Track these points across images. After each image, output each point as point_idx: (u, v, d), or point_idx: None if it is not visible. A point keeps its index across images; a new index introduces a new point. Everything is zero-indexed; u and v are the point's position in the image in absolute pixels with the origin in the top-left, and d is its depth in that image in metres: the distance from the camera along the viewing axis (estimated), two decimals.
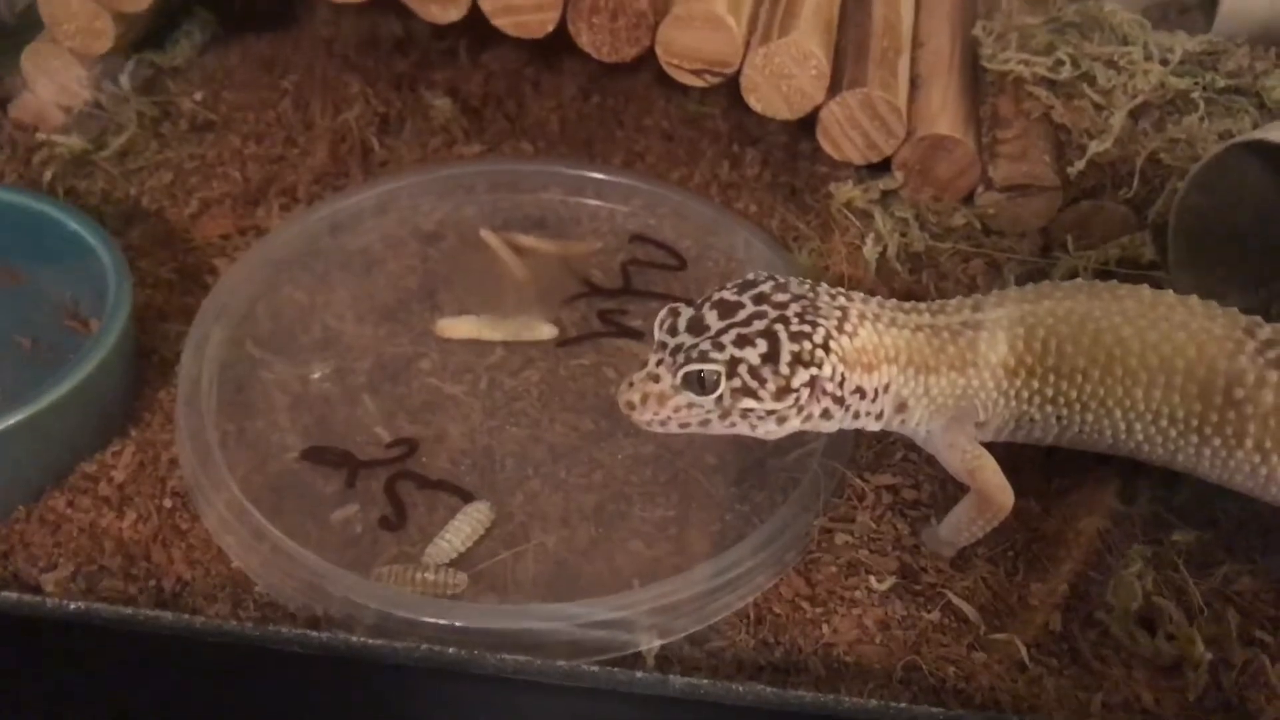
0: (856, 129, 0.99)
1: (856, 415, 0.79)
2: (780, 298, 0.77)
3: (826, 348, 0.76)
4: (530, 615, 0.77)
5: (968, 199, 1.02)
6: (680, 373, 0.75)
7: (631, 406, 0.76)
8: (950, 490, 0.84)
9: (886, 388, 0.79)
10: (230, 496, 0.82)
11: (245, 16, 1.21)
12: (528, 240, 1.05)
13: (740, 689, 0.70)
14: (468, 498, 0.85)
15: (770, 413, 0.76)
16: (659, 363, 0.76)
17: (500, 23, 1.00)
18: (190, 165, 1.09)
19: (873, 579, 0.80)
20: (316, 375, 0.94)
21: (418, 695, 0.74)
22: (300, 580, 0.78)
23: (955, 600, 0.79)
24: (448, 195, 1.08)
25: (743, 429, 0.77)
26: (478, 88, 1.19)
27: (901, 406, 0.80)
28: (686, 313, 0.77)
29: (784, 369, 0.75)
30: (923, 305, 0.81)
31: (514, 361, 0.96)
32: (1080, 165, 0.98)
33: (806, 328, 0.76)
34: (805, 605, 0.80)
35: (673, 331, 0.77)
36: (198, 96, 1.14)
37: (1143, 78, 1.02)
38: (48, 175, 1.07)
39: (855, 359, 0.77)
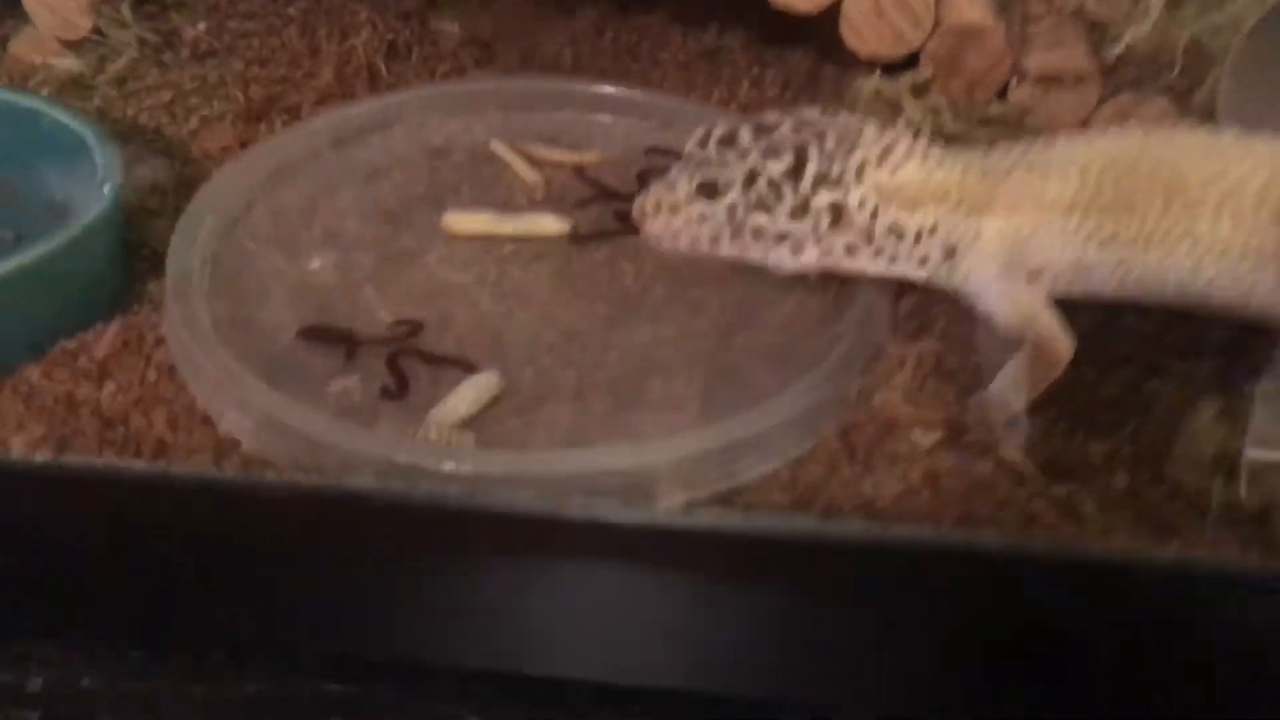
0: (882, 19, 0.95)
1: (894, 259, 0.74)
2: (824, 123, 0.73)
3: (860, 175, 0.71)
4: (539, 462, 0.70)
5: (1001, 94, 0.97)
6: (696, 180, 0.70)
7: (644, 214, 0.72)
8: (998, 362, 0.78)
9: (933, 229, 0.73)
10: (218, 359, 0.76)
11: None
12: (540, 150, 1.00)
13: (775, 521, 0.63)
14: (474, 370, 0.79)
15: (784, 236, 0.71)
16: (680, 172, 0.72)
17: None
18: (191, 86, 1.05)
19: (916, 432, 0.73)
20: (316, 265, 0.88)
21: (419, 545, 0.67)
22: (293, 437, 0.71)
23: (1009, 455, 0.72)
24: (456, 112, 1.04)
25: (754, 253, 0.72)
26: (487, 23, 1.15)
27: (951, 252, 0.74)
28: (722, 127, 0.73)
29: (805, 186, 0.70)
30: (974, 149, 0.76)
31: (525, 255, 0.90)
32: (1119, 49, 0.94)
33: (841, 151, 0.71)
34: (843, 464, 0.73)
35: (703, 144, 0.73)
36: (201, 25, 1.11)
37: None
38: (43, 94, 1.03)
39: (895, 193, 0.72)
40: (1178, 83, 0.95)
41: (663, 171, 0.96)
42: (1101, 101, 0.96)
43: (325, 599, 0.67)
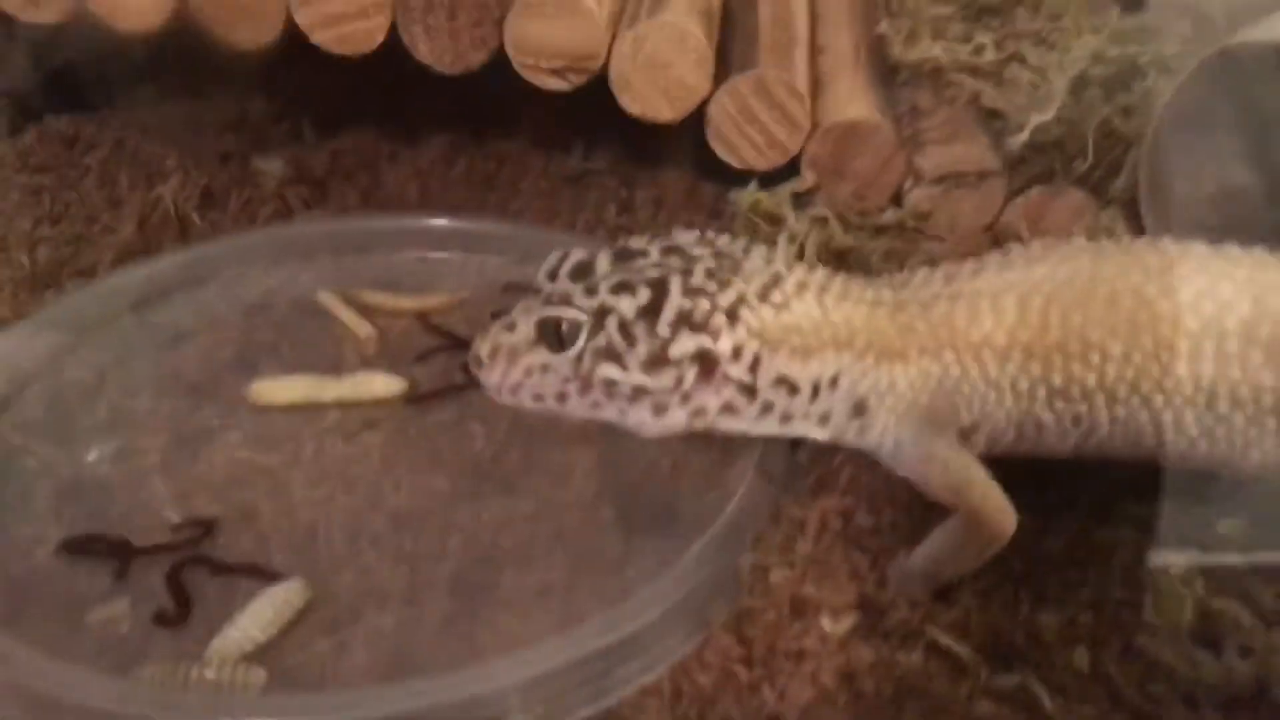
0: (753, 123, 0.83)
1: (787, 418, 0.59)
2: (697, 251, 0.59)
3: (733, 315, 0.57)
4: (351, 704, 0.54)
5: (895, 199, 0.85)
6: (535, 318, 0.57)
7: (479, 362, 0.59)
8: (919, 516, 0.64)
9: (834, 381, 0.59)
10: None
11: (46, 101, 1.04)
12: (376, 297, 0.86)
13: None
14: (276, 579, 0.63)
15: (640, 391, 0.57)
16: (524, 309, 0.59)
17: (321, 38, 0.84)
18: None
19: (825, 620, 0.58)
20: (92, 457, 0.73)
21: None
22: (22, 700, 0.55)
23: (942, 639, 0.58)
24: (280, 262, 0.89)
25: (609, 413, 0.58)
26: (322, 164, 1.02)
27: (860, 408, 0.60)
28: (578, 256, 0.60)
29: (663, 329, 0.56)
30: (880, 279, 0.63)
31: (350, 424, 0.75)
32: (1023, 137, 0.82)
33: (712, 285, 0.57)
34: (739, 668, 0.58)
35: (553, 275, 0.60)
36: None
37: (1080, 49, 0.88)
38: None
39: (782, 337, 0.58)
40: (1092, 172, 0.83)
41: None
42: (1010, 199, 0.84)
43: None
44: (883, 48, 0.94)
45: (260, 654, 0.59)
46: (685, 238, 0.60)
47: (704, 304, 0.56)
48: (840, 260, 0.80)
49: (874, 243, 0.81)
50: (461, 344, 0.82)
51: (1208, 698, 0.55)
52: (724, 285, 0.57)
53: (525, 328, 0.58)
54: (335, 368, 0.80)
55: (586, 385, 0.58)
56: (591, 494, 0.70)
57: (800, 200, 0.84)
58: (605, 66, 0.82)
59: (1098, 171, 0.83)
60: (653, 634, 0.58)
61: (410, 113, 1.06)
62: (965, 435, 0.59)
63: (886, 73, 0.93)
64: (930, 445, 0.59)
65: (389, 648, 0.61)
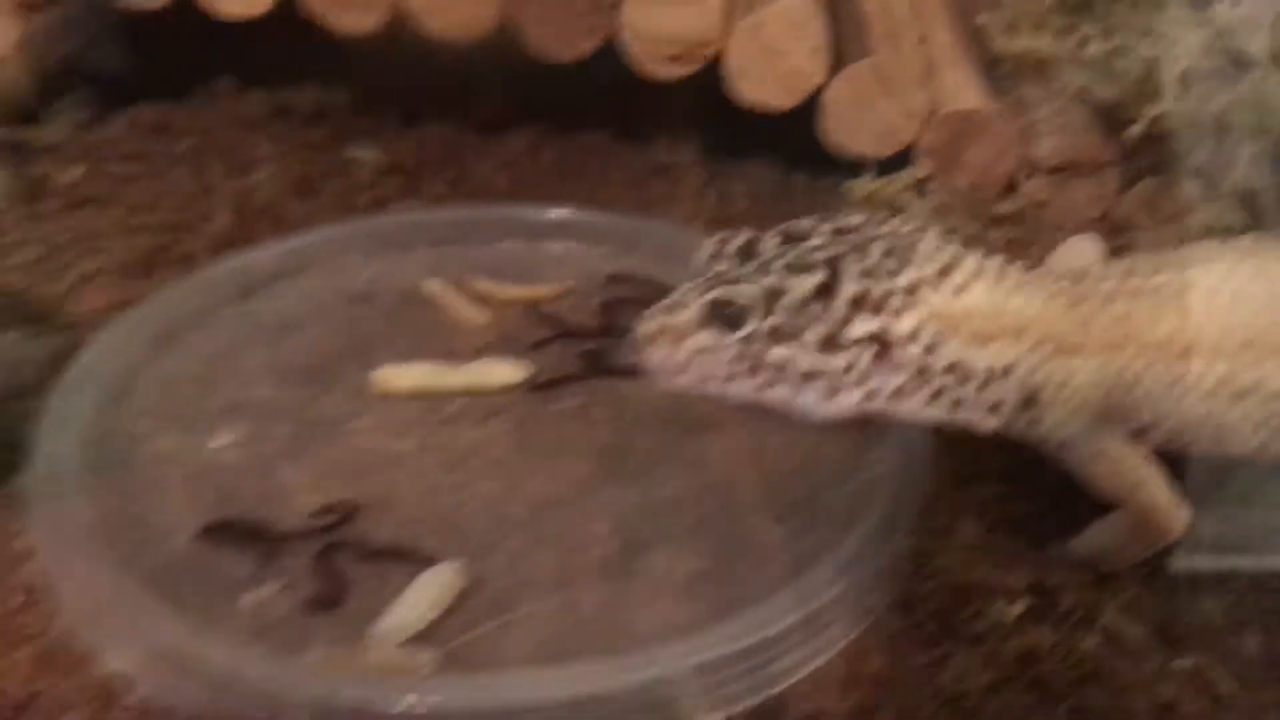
0: (869, 111, 0.83)
1: (957, 405, 0.58)
2: (870, 231, 0.58)
3: (913, 296, 0.56)
4: (529, 686, 0.54)
5: (1010, 189, 0.85)
6: (704, 299, 0.56)
7: (643, 342, 0.58)
8: (1074, 501, 0.63)
9: (1008, 370, 0.58)
10: (101, 580, 0.59)
11: (134, 91, 1.04)
12: (485, 285, 0.85)
13: None
14: (429, 563, 0.63)
15: (813, 373, 0.56)
16: (689, 290, 0.57)
17: (432, 23, 0.83)
18: (65, 239, 0.89)
19: (998, 604, 0.58)
20: (220, 444, 0.72)
21: None
22: (198, 673, 0.54)
23: (1116, 623, 0.57)
24: (380, 251, 0.89)
25: (778, 395, 0.57)
26: (410, 153, 1.02)
27: (1031, 400, 0.59)
28: (742, 237, 0.59)
29: (839, 309, 0.55)
30: (1059, 271, 0.62)
31: (476, 412, 0.74)
32: (1138, 129, 0.82)
33: (891, 264, 0.56)
34: (912, 650, 0.57)
35: (717, 256, 0.58)
36: (77, 171, 0.95)
37: (1188, 40, 0.88)
38: None
39: (959, 322, 0.57)
40: (1207, 164, 0.84)
41: (629, 303, 0.84)
42: (1123, 189, 0.84)
43: None
44: (982, 39, 0.94)
45: (424, 638, 0.59)
46: (856, 219, 0.59)
47: (882, 284, 0.55)
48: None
49: (995, 233, 0.81)
50: (573, 333, 0.82)
51: None
52: (902, 266, 0.56)
53: (692, 309, 0.57)
54: (449, 355, 0.80)
55: (756, 367, 0.57)
56: (728, 482, 0.69)
57: (916, 186, 0.84)
58: (718, 55, 0.82)
59: (1213, 164, 0.84)
60: (821, 619, 0.58)
61: (490, 105, 1.06)
62: (1139, 434, 0.59)
63: (987, 64, 0.94)
64: (1101, 442, 0.58)
65: (550, 631, 0.60)
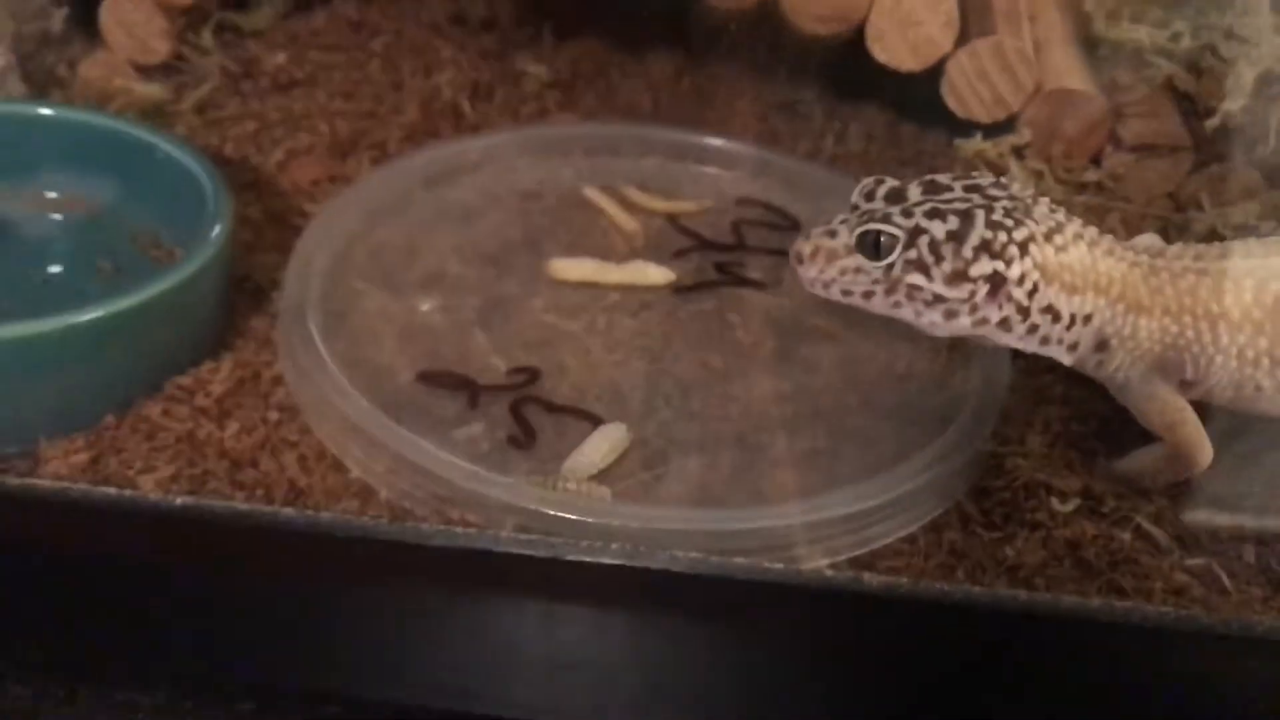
0: (984, 82, 0.96)
1: (1045, 340, 0.72)
2: (995, 192, 0.71)
3: (1025, 248, 0.69)
4: (689, 519, 0.70)
5: (1095, 161, 0.98)
6: (857, 231, 0.70)
7: (800, 258, 0.71)
8: (1121, 426, 0.78)
9: (1089, 318, 0.72)
10: (349, 398, 0.74)
11: None
12: (635, 194, 0.99)
13: (948, 588, 0.63)
14: (599, 422, 0.78)
15: (938, 299, 0.70)
16: (842, 220, 0.71)
17: None
18: (275, 117, 1.04)
19: (1054, 500, 0.73)
20: (425, 307, 0.87)
21: (571, 599, 0.66)
22: (435, 481, 0.70)
23: (1146, 525, 0.73)
24: (544, 157, 1.03)
25: (906, 312, 0.71)
26: (566, 66, 1.15)
27: (1103, 344, 0.73)
28: (891, 183, 0.72)
29: (967, 252, 0.69)
30: (1139, 245, 0.75)
31: (631, 304, 0.90)
32: (1214, 122, 0.95)
33: (1010, 221, 0.69)
34: (981, 530, 0.73)
35: (869, 197, 0.72)
36: (282, 56, 1.09)
37: (1268, 45, 1.00)
38: None
39: (1057, 274, 0.70)
40: (1269, 157, 0.97)
41: (757, 224, 0.98)
42: (1193, 172, 0.97)
43: (488, 659, 0.66)
44: (1086, 22, 1.07)
45: (601, 478, 0.74)
46: (985, 179, 0.72)
47: (1002, 236, 0.69)
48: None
49: (1077, 198, 0.95)
50: (710, 245, 0.96)
51: None
52: (1019, 224, 0.69)
53: (845, 236, 0.71)
54: (605, 253, 0.94)
55: (893, 289, 0.70)
56: (840, 383, 0.84)
57: (1016, 151, 0.97)
58: (863, 20, 0.95)
59: (1275, 158, 0.97)
60: (911, 498, 0.73)
61: (631, 29, 1.19)
62: (1187, 386, 0.73)
63: (1088, 44, 1.06)
64: (1155, 387, 0.73)
65: (695, 485, 0.75)
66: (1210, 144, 0.98)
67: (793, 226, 0.98)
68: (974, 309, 0.70)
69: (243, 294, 0.87)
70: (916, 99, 1.05)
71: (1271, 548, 0.73)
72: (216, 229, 0.82)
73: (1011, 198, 0.71)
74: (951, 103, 0.98)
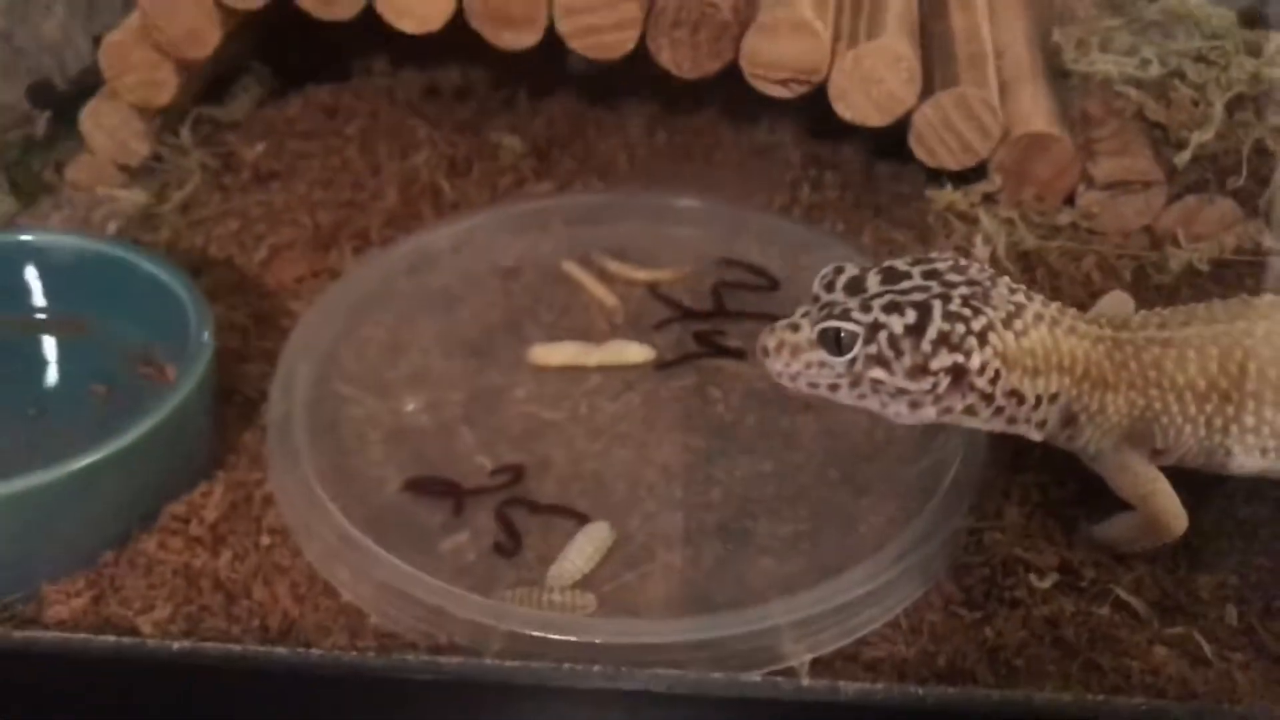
0: (951, 131, 0.96)
1: (1012, 420, 0.73)
2: (953, 278, 0.71)
3: (983, 338, 0.70)
4: (672, 630, 0.71)
5: (1069, 200, 0.99)
6: (818, 327, 0.71)
7: (766, 352, 0.72)
8: (1100, 487, 0.78)
9: (1054, 397, 0.72)
10: (337, 525, 0.76)
11: (303, 70, 1.19)
12: (614, 266, 1.01)
13: (919, 690, 0.64)
14: (584, 520, 0.80)
15: (901, 391, 0.71)
16: (805, 314, 0.72)
17: (578, 45, 0.97)
18: (257, 213, 1.05)
19: (1032, 577, 0.74)
20: (410, 408, 0.89)
21: (560, 714, 0.68)
22: (420, 607, 0.72)
23: (1124, 596, 0.74)
24: (524, 231, 1.04)
25: (872, 404, 0.72)
26: (541, 130, 1.16)
27: (1070, 420, 0.73)
28: (851, 271, 0.73)
29: (925, 346, 0.69)
30: (1103, 319, 0.76)
31: (612, 386, 0.91)
32: (1186, 155, 0.95)
33: (967, 311, 0.70)
34: (962, 611, 0.74)
35: (829, 288, 0.73)
36: (260, 147, 1.11)
37: (1237, 69, 1.00)
38: (111, 229, 1.03)
39: (1018, 359, 0.71)
40: (1243, 185, 0.96)
41: (737, 286, 0.99)
42: (1168, 204, 0.97)
43: None
44: (1054, 53, 1.06)
45: (585, 583, 0.76)
46: (943, 263, 0.72)
47: (960, 328, 0.69)
48: (1024, 260, 0.94)
49: (1051, 242, 0.95)
50: (691, 314, 0.97)
51: None
52: (977, 312, 0.70)
53: (807, 331, 0.72)
54: (586, 331, 0.96)
55: (856, 382, 0.71)
56: (820, 457, 0.85)
57: (987, 200, 0.98)
58: (825, 79, 0.96)
59: (1248, 185, 0.96)
60: (894, 583, 0.74)
61: (606, 85, 1.20)
62: (1158, 454, 0.73)
63: (1057, 75, 1.06)
64: (1126, 458, 0.73)
65: (680, 580, 0.77)
66: (1185, 174, 0.98)
67: (772, 286, 1.00)
68: (938, 399, 0.71)
69: (233, 407, 0.89)
70: (892, 134, 1.05)
71: (1252, 606, 0.74)
72: (200, 354, 0.83)
73: (970, 282, 0.71)
74: (920, 153, 0.98)
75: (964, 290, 0.71)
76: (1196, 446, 0.73)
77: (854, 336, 0.71)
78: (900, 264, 0.74)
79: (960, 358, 0.70)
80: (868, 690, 0.64)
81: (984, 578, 0.75)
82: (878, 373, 0.71)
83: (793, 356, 0.72)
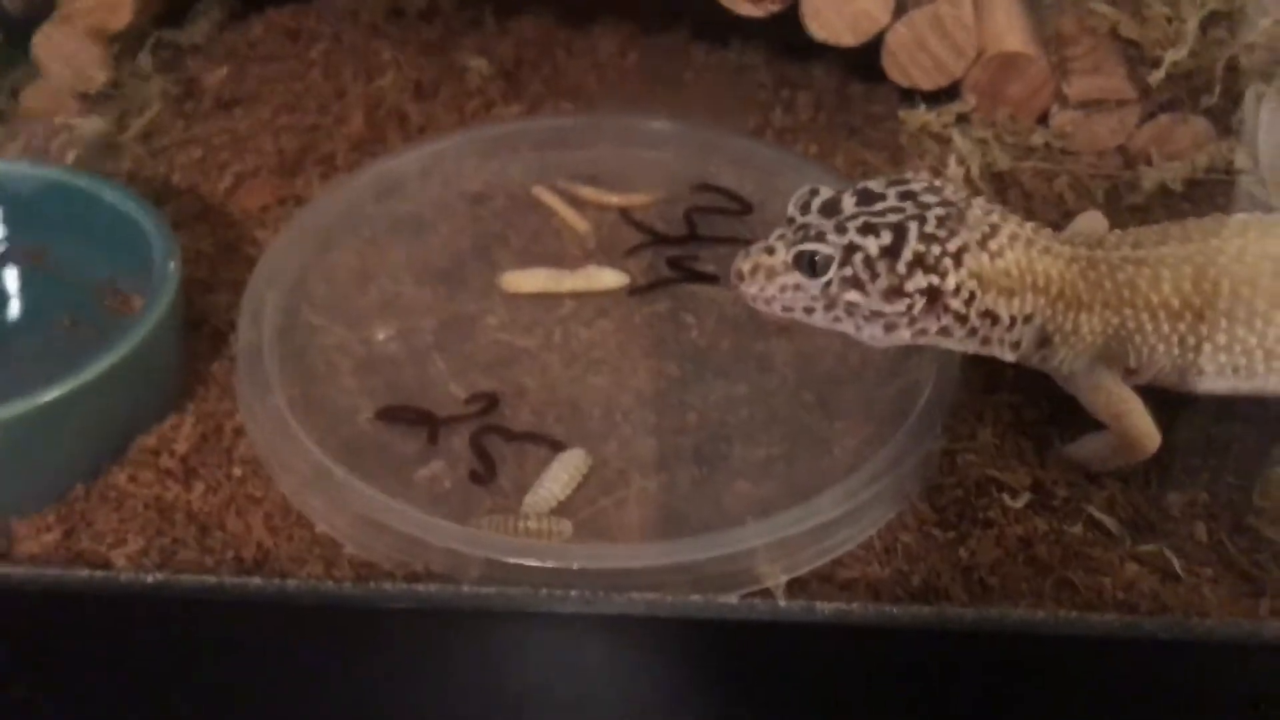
0: (924, 51, 0.95)
1: (986, 341, 0.73)
2: (928, 199, 0.71)
3: (958, 259, 0.70)
4: (648, 554, 0.71)
5: (1042, 119, 0.98)
6: (793, 250, 0.70)
7: (741, 276, 0.72)
8: (1073, 407, 0.79)
9: (1029, 318, 0.72)
10: (310, 456, 0.75)
11: None
12: (586, 191, 0.99)
13: (894, 610, 0.65)
14: (559, 447, 0.80)
15: (876, 314, 0.71)
16: (779, 236, 0.71)
17: None
18: (220, 140, 1.03)
19: (1005, 496, 0.75)
20: (381, 337, 0.88)
21: (534, 646, 0.68)
22: (396, 536, 0.72)
23: (1096, 514, 0.74)
24: (492, 155, 1.03)
25: (847, 326, 0.72)
26: (509, 52, 1.14)
27: (1045, 341, 0.73)
28: (825, 194, 0.72)
29: (901, 267, 0.69)
30: (1078, 238, 0.75)
31: (586, 312, 0.90)
32: (1160, 74, 0.95)
33: (943, 232, 0.69)
34: (936, 531, 0.74)
35: (804, 209, 0.72)
36: (222, 72, 1.09)
37: None
38: (70, 158, 1.01)
39: (994, 279, 0.71)
40: (1216, 103, 0.96)
41: (710, 210, 0.98)
42: (1141, 123, 0.97)
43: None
44: None
45: (562, 509, 0.76)
46: (918, 184, 0.72)
47: (935, 249, 0.69)
48: (998, 181, 0.93)
49: (1025, 162, 0.94)
50: (664, 239, 0.97)
51: None
52: (952, 233, 0.69)
53: (782, 253, 0.71)
54: (558, 257, 0.95)
55: (831, 304, 0.71)
56: (794, 380, 0.85)
57: (961, 120, 0.97)
58: None
59: (1220, 103, 0.96)
60: (869, 505, 0.74)
61: (577, 6, 1.17)
62: (1131, 374, 0.74)
63: None
64: (1099, 378, 0.73)
65: (656, 505, 0.77)
66: (1158, 93, 0.97)
67: (745, 210, 0.99)
68: (912, 321, 0.71)
69: (201, 338, 0.88)
70: (865, 53, 1.04)
71: (1221, 522, 0.75)
72: (166, 284, 0.82)
73: (944, 203, 0.71)
74: (893, 73, 0.97)
75: (939, 211, 0.71)
76: (1169, 365, 0.73)
77: (829, 259, 0.70)
78: (875, 185, 0.73)
79: (935, 279, 0.69)
80: (843, 610, 0.65)
81: (957, 498, 0.75)
82: (853, 295, 0.70)
83: (768, 280, 0.72)
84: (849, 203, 0.72)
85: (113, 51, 1.07)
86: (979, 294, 0.71)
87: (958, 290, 0.70)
